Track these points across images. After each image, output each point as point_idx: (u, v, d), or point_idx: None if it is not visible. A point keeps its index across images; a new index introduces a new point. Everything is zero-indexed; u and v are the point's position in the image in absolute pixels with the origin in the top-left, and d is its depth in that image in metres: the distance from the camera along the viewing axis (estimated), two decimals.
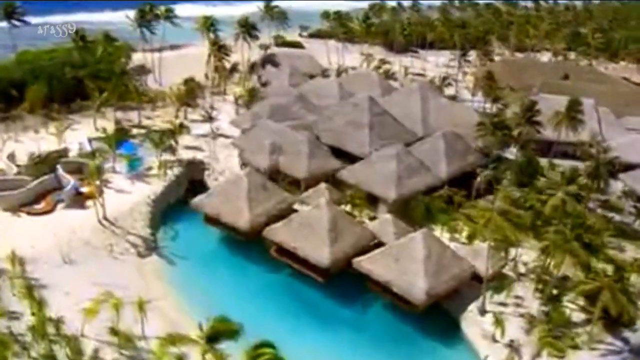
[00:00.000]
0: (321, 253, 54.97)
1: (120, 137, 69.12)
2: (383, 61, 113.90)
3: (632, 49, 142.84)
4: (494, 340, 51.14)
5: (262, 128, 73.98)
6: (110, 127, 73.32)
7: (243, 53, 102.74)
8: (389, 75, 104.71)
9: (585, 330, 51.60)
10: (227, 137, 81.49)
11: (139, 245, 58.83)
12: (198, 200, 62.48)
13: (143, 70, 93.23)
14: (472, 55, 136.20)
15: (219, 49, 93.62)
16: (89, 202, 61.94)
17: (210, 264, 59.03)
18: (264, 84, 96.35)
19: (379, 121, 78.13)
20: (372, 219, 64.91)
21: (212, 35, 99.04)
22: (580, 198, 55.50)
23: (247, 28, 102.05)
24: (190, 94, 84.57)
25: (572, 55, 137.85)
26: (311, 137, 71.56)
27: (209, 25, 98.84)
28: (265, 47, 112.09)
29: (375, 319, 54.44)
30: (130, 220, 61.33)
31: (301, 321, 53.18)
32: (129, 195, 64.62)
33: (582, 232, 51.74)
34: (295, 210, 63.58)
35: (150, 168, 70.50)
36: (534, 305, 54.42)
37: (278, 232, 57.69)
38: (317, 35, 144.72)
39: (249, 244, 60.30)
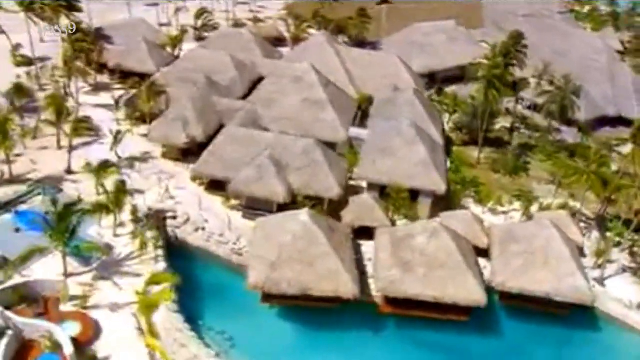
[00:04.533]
0: (472, 291, 40.50)
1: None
2: (203, 11, 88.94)
3: None
4: None
5: (233, 139, 50.28)
6: None
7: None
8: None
9: None
10: (143, 160, 54.03)
11: None
12: (259, 279, 39.32)
13: None
14: None
15: (82, 38, 58.54)
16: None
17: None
18: (117, 72, 66.20)
19: (331, 93, 60.79)
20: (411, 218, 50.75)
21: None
22: None
23: None
24: (62, 111, 52.22)
25: None
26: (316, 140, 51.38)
27: (27, 4, 60.73)
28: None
29: (531, 332, 43.24)
30: (178, 348, 35.68)
31: None
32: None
33: None
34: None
35: (109, 248, 41.99)
36: (619, 257, 49.92)
37: (403, 285, 40.28)
38: None
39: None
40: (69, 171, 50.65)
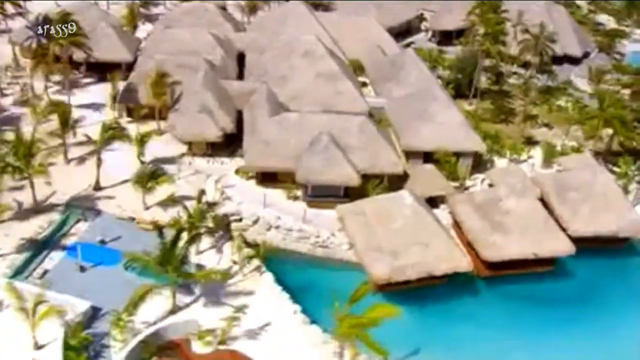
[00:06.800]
0: (563, 243, 41.85)
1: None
2: None
3: None
4: None
5: (278, 126, 45.69)
6: None
7: None
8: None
9: None
10: (172, 162, 47.22)
11: None
12: (384, 270, 37.00)
13: None
14: None
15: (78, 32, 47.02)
16: None
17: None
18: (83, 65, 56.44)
19: (339, 64, 57.25)
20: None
21: None
22: None
23: None
24: (67, 120, 43.46)
25: None
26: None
27: None
28: None
29: (605, 267, 45.34)
30: None
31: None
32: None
33: None
34: None
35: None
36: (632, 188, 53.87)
37: (506, 249, 40.33)
38: None
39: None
40: (98, 187, 43.12)
